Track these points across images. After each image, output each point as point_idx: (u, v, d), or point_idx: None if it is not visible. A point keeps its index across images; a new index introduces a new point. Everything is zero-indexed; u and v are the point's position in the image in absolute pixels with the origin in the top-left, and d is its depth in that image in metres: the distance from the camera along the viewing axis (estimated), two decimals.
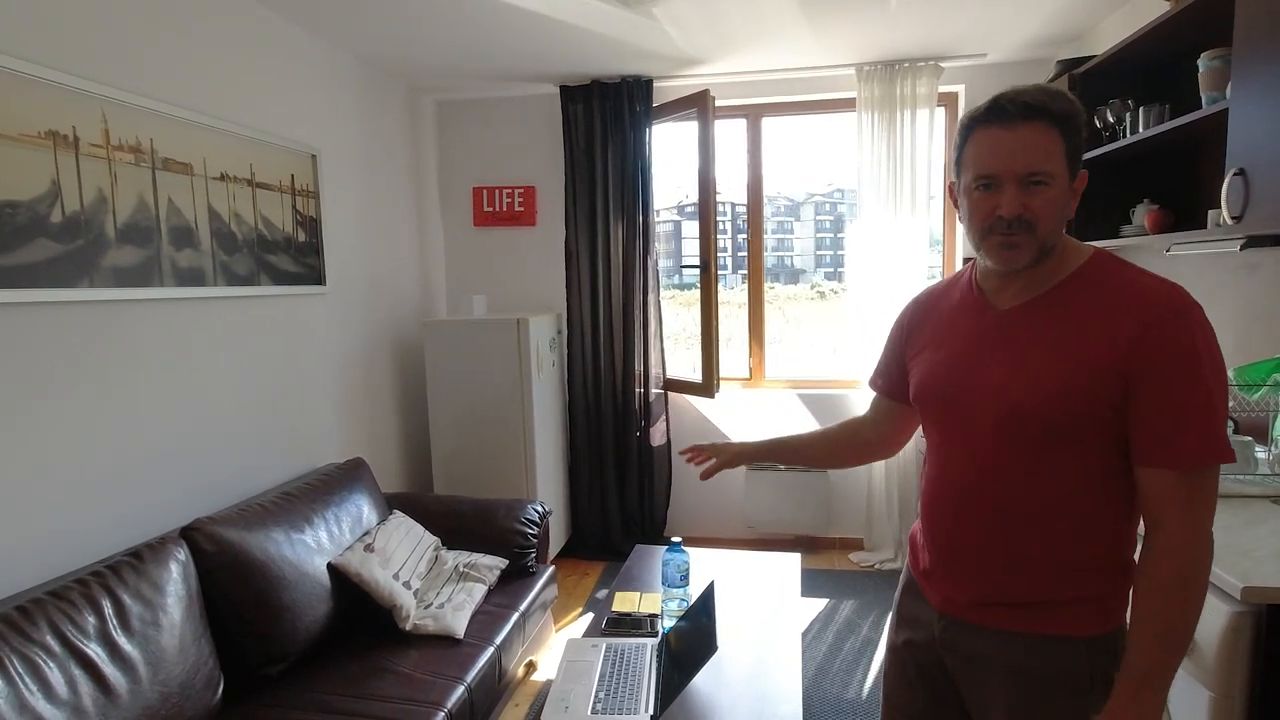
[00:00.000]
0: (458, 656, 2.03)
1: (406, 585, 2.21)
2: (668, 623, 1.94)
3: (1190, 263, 2.16)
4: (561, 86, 3.55)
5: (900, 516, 3.46)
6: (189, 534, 1.87)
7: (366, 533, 2.32)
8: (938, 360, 1.12)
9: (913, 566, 1.22)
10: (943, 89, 3.31)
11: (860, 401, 3.49)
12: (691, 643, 1.72)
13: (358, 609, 2.15)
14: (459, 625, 2.13)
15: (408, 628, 2.11)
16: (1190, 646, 1.30)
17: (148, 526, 2.01)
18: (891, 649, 1.25)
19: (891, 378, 1.26)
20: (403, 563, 2.27)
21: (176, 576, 1.75)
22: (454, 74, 3.35)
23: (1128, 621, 0.97)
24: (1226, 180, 1.60)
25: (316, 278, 2.81)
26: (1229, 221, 1.60)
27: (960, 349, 1.08)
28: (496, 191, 3.80)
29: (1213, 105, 1.75)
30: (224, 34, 2.32)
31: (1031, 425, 0.98)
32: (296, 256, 2.69)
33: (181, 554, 1.80)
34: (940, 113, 3.47)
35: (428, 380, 3.31)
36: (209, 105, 2.25)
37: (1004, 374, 1.01)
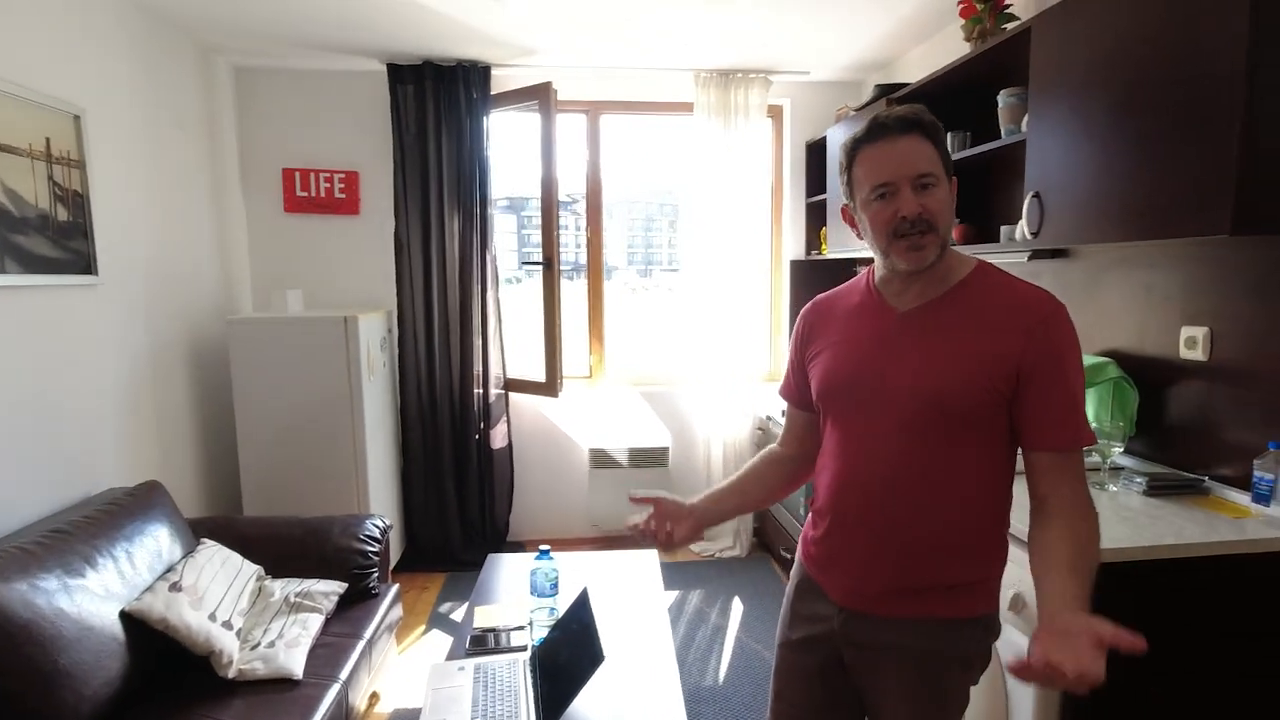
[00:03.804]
0: (298, 699, 1.78)
1: (226, 625, 1.90)
2: (539, 634, 1.86)
3: None
4: (389, 64, 3.28)
5: None
6: None
7: (170, 569, 1.96)
8: (841, 357, 1.17)
9: (807, 564, 1.25)
10: (771, 101, 3.53)
11: (696, 399, 3.63)
12: (571, 653, 1.66)
13: (169, 660, 1.82)
14: (295, 664, 1.88)
15: (231, 675, 1.81)
16: (1018, 602, 1.49)
17: None
18: (785, 646, 1.28)
19: (803, 390, 1.27)
20: (219, 600, 1.96)
21: None
22: (255, 35, 2.94)
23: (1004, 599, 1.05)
24: (1026, 202, 1.86)
25: (85, 265, 2.32)
26: (1029, 237, 1.87)
27: (865, 347, 1.14)
28: (312, 175, 3.41)
29: (1011, 137, 2.03)
30: None
31: (940, 416, 1.06)
32: (56, 239, 2.20)
33: None
34: (769, 124, 3.70)
35: (234, 387, 2.89)
36: None
37: (912, 369, 1.08)
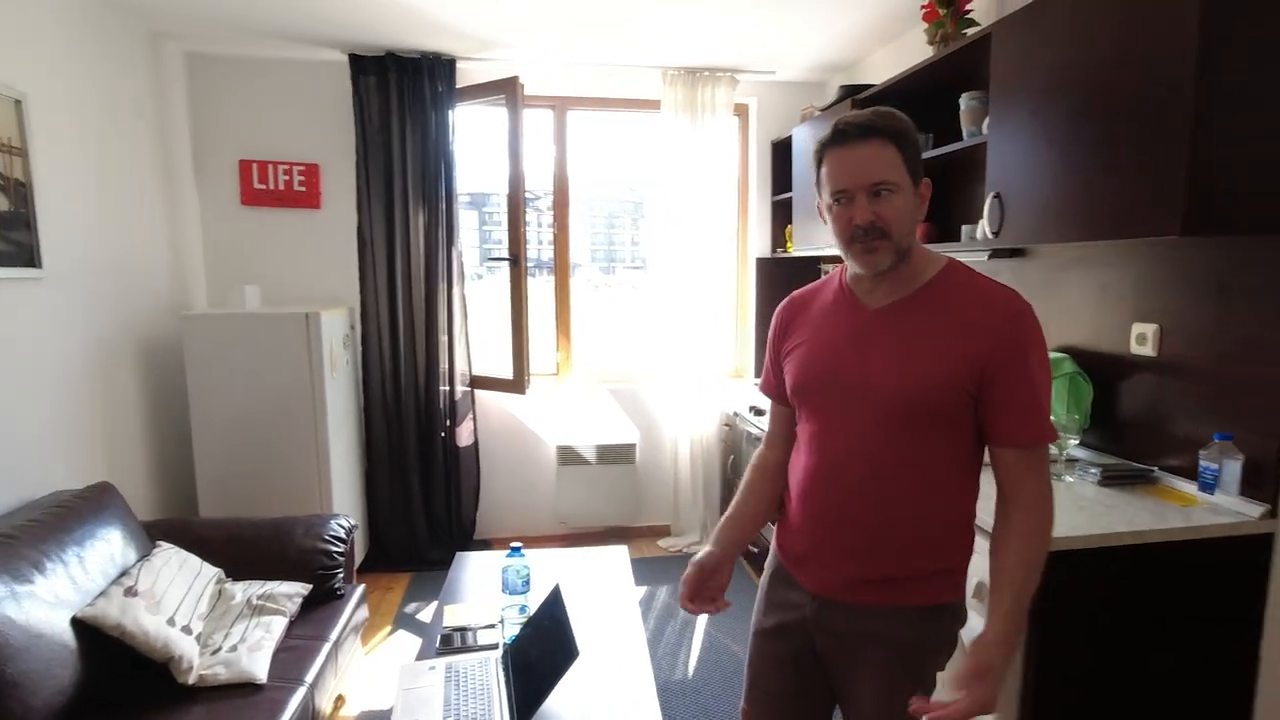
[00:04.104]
0: (262, 704, 1.74)
1: (186, 630, 1.84)
2: (510, 632, 1.84)
3: None
4: (351, 55, 3.21)
5: (704, 501, 3.67)
6: None
7: (125, 573, 1.90)
8: (816, 353, 1.18)
9: (781, 555, 1.27)
10: (737, 100, 3.55)
11: (663, 395, 3.64)
12: (543, 650, 1.65)
13: (127, 667, 1.76)
14: (258, 668, 1.83)
15: (191, 680, 1.76)
16: (981, 590, 1.54)
17: None
18: (760, 635, 1.30)
19: (783, 384, 1.27)
20: (178, 604, 1.90)
21: None
22: (208, 21, 2.84)
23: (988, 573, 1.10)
24: (987, 202, 1.91)
25: (28, 258, 2.22)
26: (990, 236, 1.92)
27: (839, 343, 1.16)
28: (270, 167, 3.32)
29: (972, 139, 2.09)
30: None
31: (913, 410, 1.08)
32: None
33: None
34: (735, 122, 3.73)
35: (189, 385, 2.80)
36: None
37: (885, 364, 1.10)
